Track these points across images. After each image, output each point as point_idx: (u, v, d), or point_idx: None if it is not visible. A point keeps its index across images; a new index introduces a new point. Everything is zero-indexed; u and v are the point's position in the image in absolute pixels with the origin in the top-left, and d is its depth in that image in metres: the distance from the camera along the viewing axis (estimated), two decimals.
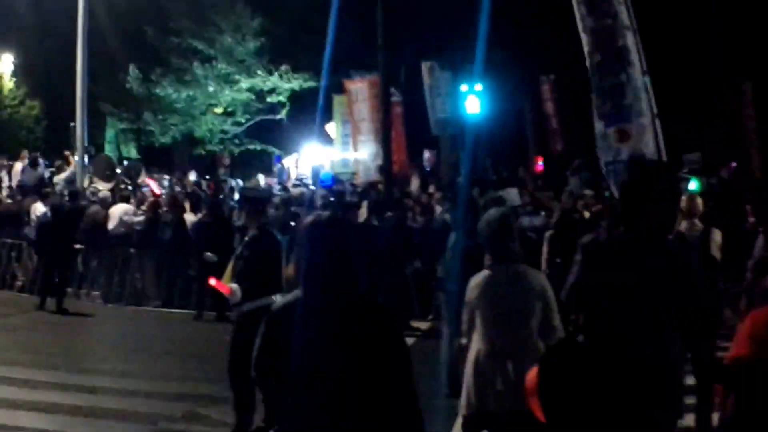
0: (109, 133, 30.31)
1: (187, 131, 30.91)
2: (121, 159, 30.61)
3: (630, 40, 15.19)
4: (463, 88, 21.52)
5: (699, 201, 10.13)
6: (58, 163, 22.37)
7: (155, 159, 30.42)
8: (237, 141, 31.45)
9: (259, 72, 29.66)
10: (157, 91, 29.56)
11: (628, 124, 14.94)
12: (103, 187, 20.19)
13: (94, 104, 29.88)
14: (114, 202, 19.09)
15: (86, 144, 20.76)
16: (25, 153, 22.71)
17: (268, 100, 30.41)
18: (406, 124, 25.38)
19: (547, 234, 13.61)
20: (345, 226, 4.55)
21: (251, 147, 31.47)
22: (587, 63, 15.46)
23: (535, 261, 11.92)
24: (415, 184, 24.00)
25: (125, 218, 18.40)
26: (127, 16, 28.33)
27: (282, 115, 30.79)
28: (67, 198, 18.91)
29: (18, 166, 22.00)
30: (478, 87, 21.08)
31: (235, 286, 8.65)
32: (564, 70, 23.62)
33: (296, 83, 29.68)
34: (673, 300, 4.91)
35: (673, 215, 5.59)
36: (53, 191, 20.11)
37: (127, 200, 19.09)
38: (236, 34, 29.58)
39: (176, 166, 30.67)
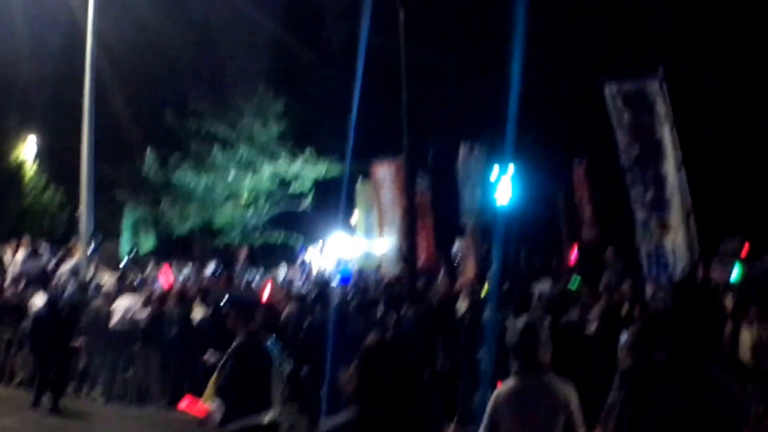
0: (127, 221, 29.22)
1: (205, 221, 29.84)
2: (138, 249, 29.62)
3: (666, 133, 15.24)
4: (494, 173, 20.33)
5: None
6: (62, 252, 21.06)
7: (174, 249, 29.33)
8: (258, 232, 30.32)
9: (282, 156, 28.63)
10: (175, 177, 28.58)
11: (669, 214, 14.97)
12: (108, 278, 18.99)
13: (110, 190, 29.15)
14: (120, 294, 17.89)
15: (93, 231, 19.64)
16: (27, 240, 21.34)
17: (292, 185, 29.39)
18: (435, 211, 24.05)
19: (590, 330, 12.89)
20: (402, 347, 4.68)
21: (273, 238, 30.29)
22: (622, 155, 15.49)
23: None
24: (443, 278, 22.70)
25: (128, 314, 17.20)
26: (145, 97, 27.54)
27: (306, 204, 29.76)
28: (70, 290, 17.85)
29: (20, 254, 20.80)
30: (511, 169, 19.91)
31: (215, 404, 7.35)
32: (598, 153, 22.47)
33: (320, 169, 28.67)
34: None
35: (717, 342, 6.14)
36: (53, 283, 19.02)
37: (131, 291, 17.86)
38: (258, 117, 28.69)
39: (195, 257, 29.52)
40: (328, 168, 28.65)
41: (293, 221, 30.42)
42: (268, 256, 29.60)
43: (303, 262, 28.76)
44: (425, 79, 21.83)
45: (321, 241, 29.38)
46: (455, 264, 23.10)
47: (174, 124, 28.97)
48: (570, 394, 6.05)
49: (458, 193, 21.60)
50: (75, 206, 32.89)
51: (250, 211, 29.87)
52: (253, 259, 29.00)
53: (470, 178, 21.03)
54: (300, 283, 22.72)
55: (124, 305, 17.29)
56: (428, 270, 22.92)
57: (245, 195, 29.62)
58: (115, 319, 17.13)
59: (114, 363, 17.10)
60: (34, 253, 20.61)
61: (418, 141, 19.62)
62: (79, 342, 16.70)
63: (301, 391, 14.07)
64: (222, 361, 7.88)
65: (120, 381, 17.15)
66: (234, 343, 7.93)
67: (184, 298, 17.46)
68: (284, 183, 29.64)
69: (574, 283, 17.25)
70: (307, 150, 28.78)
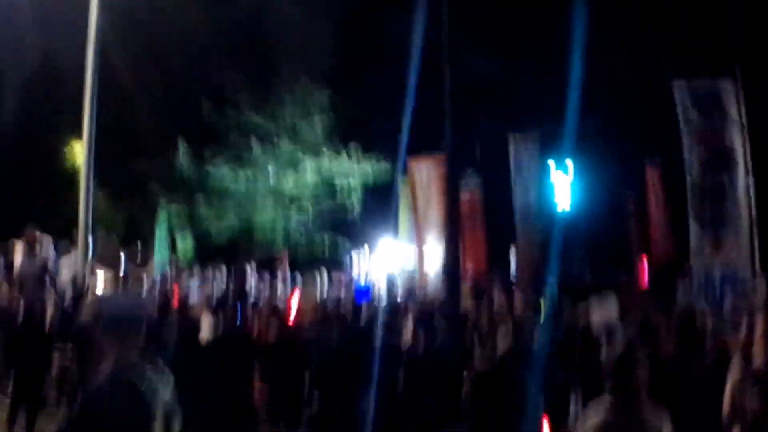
0: (161, 221, 27.09)
1: (244, 220, 27.66)
2: (174, 249, 27.55)
3: (737, 137, 14.72)
4: (552, 171, 17.81)
5: None
6: (64, 245, 18.69)
7: (213, 250, 27.14)
8: (301, 233, 28.08)
9: (325, 151, 26.34)
10: (210, 171, 26.47)
11: (723, 230, 14.51)
12: (104, 276, 16.76)
13: (143, 184, 27.25)
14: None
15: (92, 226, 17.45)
16: (31, 234, 18.80)
17: (338, 184, 27.16)
18: (487, 214, 21.38)
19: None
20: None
21: (318, 240, 28.08)
22: (686, 157, 15.03)
23: None
24: (496, 292, 20.09)
25: None
26: (180, 86, 25.48)
27: (353, 206, 27.46)
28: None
29: (19, 250, 18.61)
30: (570, 167, 17.40)
31: None
32: (675, 155, 19.66)
33: (367, 168, 26.32)
34: None
35: None
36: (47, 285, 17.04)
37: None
38: (301, 110, 26.46)
39: (238, 260, 27.22)
40: (376, 167, 26.24)
41: (340, 225, 28.09)
42: (312, 262, 27.15)
43: (347, 271, 26.46)
44: (471, 66, 19.34)
45: (367, 247, 26.85)
46: (512, 279, 20.57)
47: (210, 115, 26.83)
48: (664, 421, 5.89)
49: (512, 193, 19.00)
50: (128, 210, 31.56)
51: (293, 212, 27.55)
52: (297, 266, 26.68)
53: (522, 176, 18.37)
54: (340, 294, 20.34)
55: None
56: (477, 286, 20.45)
57: (287, 194, 27.33)
58: None
59: None
60: (30, 250, 18.40)
61: (463, 134, 17.13)
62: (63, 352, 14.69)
63: None
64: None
65: None
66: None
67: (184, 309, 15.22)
68: (329, 183, 27.30)
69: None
70: (353, 147, 26.37)
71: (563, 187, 17.63)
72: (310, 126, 26.84)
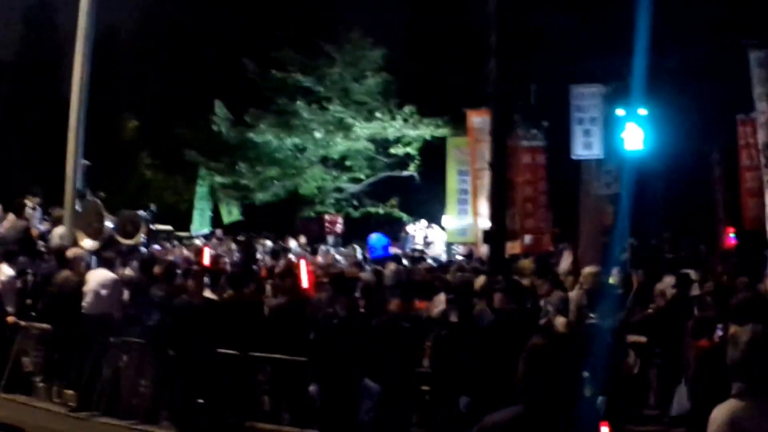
0: (201, 189, 25.20)
1: (291, 188, 25.52)
2: (220, 221, 25.64)
3: None
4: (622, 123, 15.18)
5: None
6: (56, 212, 16.79)
7: (259, 221, 25.16)
8: (355, 202, 25.84)
9: (378, 115, 24.04)
10: (252, 136, 24.36)
11: None
12: (87, 246, 14.73)
13: (179, 150, 25.48)
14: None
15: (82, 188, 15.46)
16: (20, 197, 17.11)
17: (393, 151, 24.83)
18: (551, 172, 18.77)
19: None
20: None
21: (372, 210, 25.76)
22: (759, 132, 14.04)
23: None
24: (566, 261, 17.62)
25: (102, 291, 12.93)
26: (219, 42, 23.49)
27: (411, 170, 25.09)
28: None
29: (9, 215, 16.75)
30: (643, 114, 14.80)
31: None
32: None
33: (426, 130, 23.93)
34: None
35: None
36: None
37: (110, 265, 13.57)
38: (352, 68, 24.23)
39: (292, 230, 25.20)
40: (435, 128, 23.85)
41: (397, 191, 25.78)
42: (365, 234, 24.99)
43: (406, 237, 24.26)
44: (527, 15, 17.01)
45: (425, 217, 24.50)
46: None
47: (254, 74, 24.69)
48: None
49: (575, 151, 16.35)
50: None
51: (344, 177, 25.33)
52: (349, 238, 24.60)
53: (583, 124, 15.66)
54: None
55: (97, 279, 13.03)
56: (541, 253, 17.97)
57: (337, 158, 25.12)
58: (87, 299, 12.95)
59: (84, 357, 12.92)
60: (17, 212, 16.54)
61: (525, 86, 14.84)
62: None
63: None
64: None
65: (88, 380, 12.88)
66: None
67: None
68: (384, 147, 25.00)
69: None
70: (407, 109, 24.00)
71: (634, 142, 14.95)
72: (364, 86, 24.49)
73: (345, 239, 24.45)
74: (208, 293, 13.04)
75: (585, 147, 15.62)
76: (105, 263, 13.52)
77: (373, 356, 10.70)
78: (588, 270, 12.67)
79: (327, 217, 25.21)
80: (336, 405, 10.81)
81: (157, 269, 13.62)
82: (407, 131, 24.15)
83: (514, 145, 17.75)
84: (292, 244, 22.21)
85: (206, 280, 13.37)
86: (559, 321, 11.71)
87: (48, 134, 26.91)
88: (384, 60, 24.48)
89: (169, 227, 24.40)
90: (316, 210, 25.53)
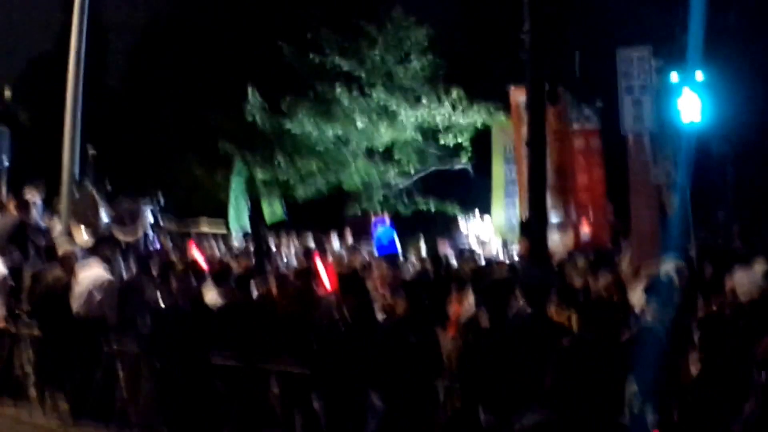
0: (236, 183, 23.79)
1: (334, 183, 23.99)
2: (260, 219, 24.19)
3: None
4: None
5: None
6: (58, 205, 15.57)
7: (303, 220, 23.66)
8: (405, 198, 24.17)
9: (424, 101, 22.39)
10: (289, 126, 22.90)
11: None
12: (82, 240, 13.49)
13: (212, 140, 24.19)
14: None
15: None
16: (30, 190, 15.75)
17: (443, 142, 23.15)
18: (609, 165, 17.02)
19: None
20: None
21: (424, 206, 24.10)
22: None
23: None
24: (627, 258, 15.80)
25: (96, 294, 11.63)
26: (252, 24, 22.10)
27: (463, 163, 23.38)
28: None
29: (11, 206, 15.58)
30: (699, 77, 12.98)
31: None
32: None
33: (476, 117, 22.21)
34: None
35: None
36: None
37: (107, 261, 12.28)
38: (395, 50, 22.63)
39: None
40: (488, 115, 22.13)
41: (451, 185, 24.08)
42: (416, 231, 23.30)
43: (460, 233, 22.58)
44: None
45: (478, 210, 22.71)
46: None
47: (291, 58, 23.24)
48: None
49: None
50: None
51: (392, 170, 23.70)
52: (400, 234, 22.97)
53: (632, 93, 13.77)
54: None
55: (89, 279, 11.75)
56: (596, 246, 16.22)
57: (382, 150, 23.48)
58: (76, 301, 11.67)
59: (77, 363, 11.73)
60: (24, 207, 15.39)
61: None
62: None
63: None
64: None
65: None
66: None
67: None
68: (434, 137, 23.30)
69: None
70: (455, 93, 22.28)
71: (691, 113, 13.09)
72: (409, 69, 22.85)
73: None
74: (212, 294, 11.82)
75: (636, 120, 13.73)
76: (100, 261, 12.28)
77: (380, 367, 9.28)
78: (647, 269, 11.11)
79: (371, 215, 23.54)
80: (341, 423, 9.56)
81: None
82: (456, 119, 22.42)
83: (565, 128, 16.16)
84: (335, 243, 20.75)
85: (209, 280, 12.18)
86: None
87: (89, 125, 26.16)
88: (429, 40, 22.79)
89: (223, 231, 23.44)
90: (363, 207, 23.92)
